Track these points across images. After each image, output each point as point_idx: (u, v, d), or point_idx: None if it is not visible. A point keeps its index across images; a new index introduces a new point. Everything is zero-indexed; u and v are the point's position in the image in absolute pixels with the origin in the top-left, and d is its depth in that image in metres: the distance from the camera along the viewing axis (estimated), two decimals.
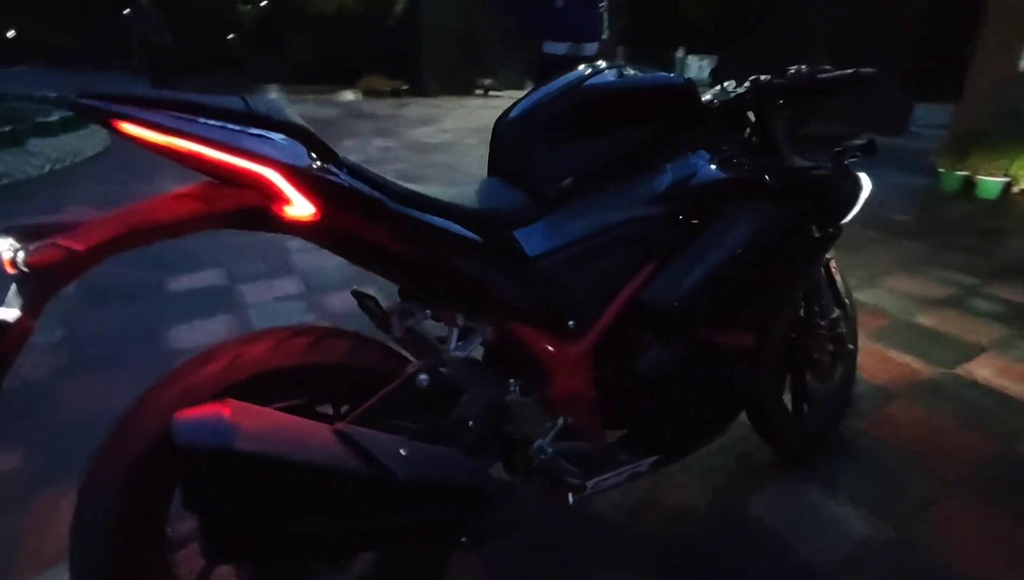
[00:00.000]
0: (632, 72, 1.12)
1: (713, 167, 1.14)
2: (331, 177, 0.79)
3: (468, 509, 0.89)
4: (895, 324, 2.45)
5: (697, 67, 17.89)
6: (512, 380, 1.03)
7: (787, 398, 1.55)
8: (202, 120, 0.75)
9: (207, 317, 2.40)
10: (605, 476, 1.15)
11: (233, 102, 0.78)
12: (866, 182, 1.34)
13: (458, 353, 0.96)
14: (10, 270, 0.70)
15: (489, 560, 1.30)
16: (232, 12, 16.19)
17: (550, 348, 1.03)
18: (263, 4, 15.96)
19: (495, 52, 12.30)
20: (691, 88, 1.12)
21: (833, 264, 1.51)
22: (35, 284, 0.70)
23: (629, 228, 1.07)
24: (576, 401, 1.08)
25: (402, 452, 0.81)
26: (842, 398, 1.69)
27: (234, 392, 0.82)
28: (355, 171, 0.85)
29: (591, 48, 3.09)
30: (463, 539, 0.90)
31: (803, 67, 1.24)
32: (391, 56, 13.33)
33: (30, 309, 0.71)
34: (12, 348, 0.71)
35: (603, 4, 3.06)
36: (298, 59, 16.46)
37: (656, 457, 1.20)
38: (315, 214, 0.80)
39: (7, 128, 4.78)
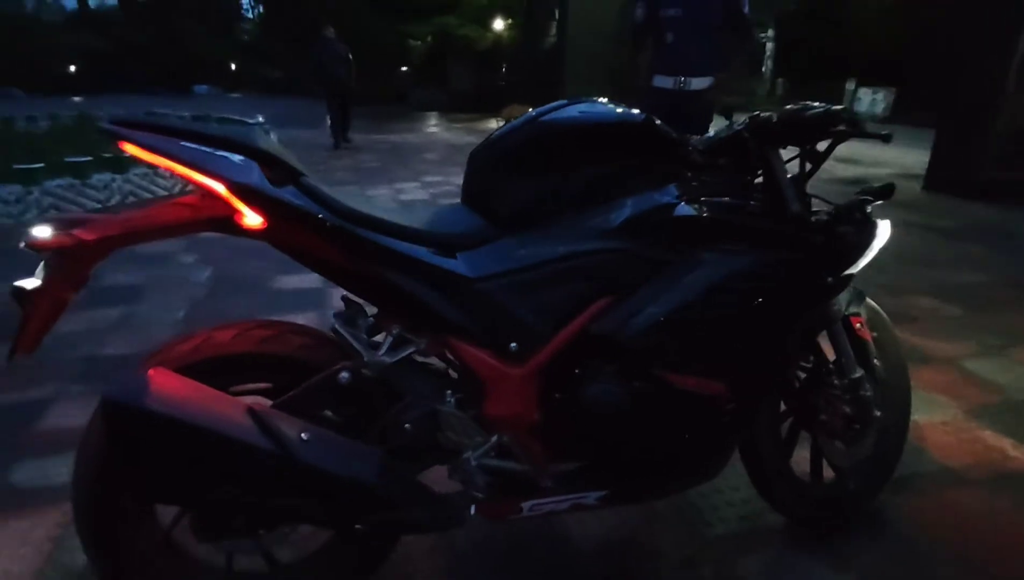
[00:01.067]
0: (594, 108, 1.14)
1: (679, 205, 1.11)
2: (274, 193, 0.94)
3: (363, 501, 0.97)
4: (1006, 402, 2.08)
5: (869, 100, 16.30)
6: (450, 392, 1.10)
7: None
8: (183, 143, 0.94)
9: (298, 312, 2.75)
10: (544, 501, 1.17)
11: (211, 128, 0.97)
12: (884, 230, 1.22)
13: (385, 358, 1.05)
14: (41, 251, 0.92)
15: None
16: (404, 47, 17.92)
17: (489, 367, 1.08)
18: (429, 40, 17.49)
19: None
20: (650, 125, 1.11)
21: (863, 321, 1.36)
22: (56, 263, 0.92)
23: (580, 260, 1.09)
24: (514, 422, 1.11)
25: (303, 437, 0.93)
26: (876, 470, 1.50)
27: (196, 369, 0.99)
28: (309, 190, 0.99)
29: (700, 83, 3.00)
30: (357, 526, 0.99)
31: (802, 104, 1.17)
32: (538, 86, 13.91)
33: (61, 283, 0.93)
34: (52, 314, 0.94)
35: (761, 37, 2.98)
36: (457, 89, 17.84)
37: (604, 492, 1.19)
38: (263, 224, 0.96)
39: None
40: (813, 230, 1.17)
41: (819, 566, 1.37)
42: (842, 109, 1.11)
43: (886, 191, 1.19)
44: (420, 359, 1.12)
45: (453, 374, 1.15)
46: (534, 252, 1.09)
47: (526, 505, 1.16)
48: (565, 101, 1.15)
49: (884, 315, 1.48)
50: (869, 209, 1.24)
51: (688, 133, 3.00)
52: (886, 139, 1.14)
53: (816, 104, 1.14)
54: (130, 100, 18.95)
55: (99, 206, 4.89)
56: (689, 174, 1.18)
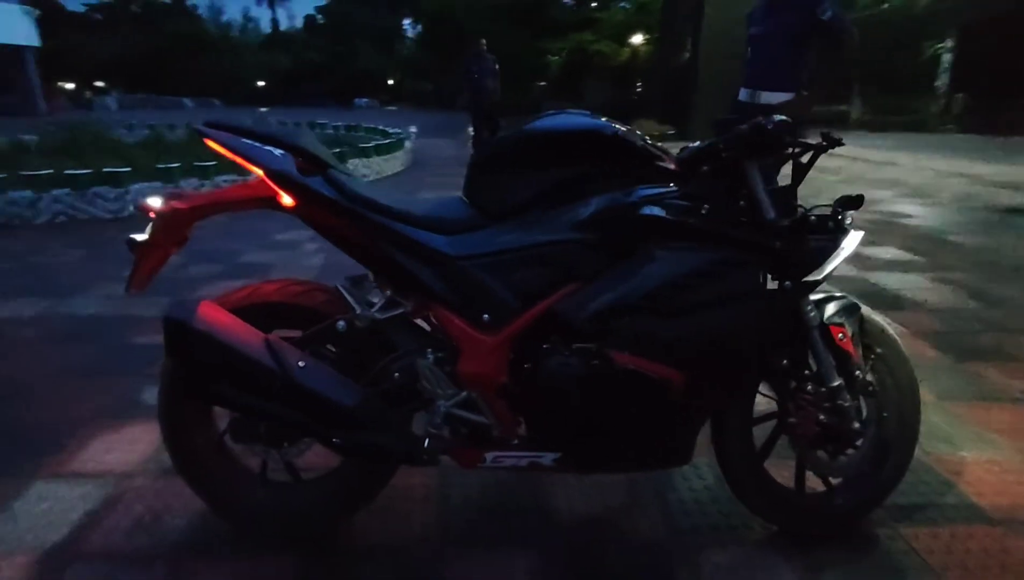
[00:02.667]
0: (572, 119, 1.30)
1: (640, 205, 1.24)
2: (301, 180, 1.23)
3: (339, 419, 1.22)
4: None
5: None
6: (431, 350, 1.33)
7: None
8: (243, 139, 1.27)
9: None
10: (504, 454, 1.35)
11: (268, 129, 1.29)
12: (852, 241, 1.24)
13: (377, 315, 1.30)
14: (150, 214, 1.29)
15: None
16: (542, 62, 18.54)
17: (464, 332, 1.29)
18: (564, 55, 17.95)
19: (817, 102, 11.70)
20: (615, 134, 1.25)
21: (846, 332, 1.36)
22: (159, 225, 1.28)
23: (548, 248, 1.27)
24: (482, 381, 1.30)
25: (300, 364, 1.21)
26: (870, 488, 1.48)
27: (246, 311, 1.32)
28: (331, 179, 1.28)
29: (771, 97, 2.94)
30: (334, 440, 1.25)
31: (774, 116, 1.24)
32: (669, 101, 13.73)
33: (162, 239, 1.29)
34: (158, 264, 1.31)
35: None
36: (590, 104, 18.11)
37: (557, 455, 1.34)
38: (293, 204, 1.26)
39: (336, 150, 6.62)
40: (772, 235, 1.23)
41: (787, 570, 1.39)
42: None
43: (856, 201, 1.23)
44: (413, 321, 1.36)
45: (438, 336, 1.37)
46: (511, 239, 1.29)
47: (489, 456, 1.34)
48: (553, 112, 1.32)
49: (892, 332, 1.46)
50: (844, 218, 1.27)
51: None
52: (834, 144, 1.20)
53: (780, 117, 1.22)
54: (301, 111, 21.54)
55: None
56: (668, 179, 1.29)
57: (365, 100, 35.87)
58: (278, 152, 1.27)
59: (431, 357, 1.32)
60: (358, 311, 1.29)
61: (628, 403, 1.29)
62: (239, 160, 1.26)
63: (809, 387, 1.36)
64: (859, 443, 1.42)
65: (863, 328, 1.42)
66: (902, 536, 1.49)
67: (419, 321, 1.38)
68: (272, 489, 1.47)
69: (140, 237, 1.27)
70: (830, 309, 1.36)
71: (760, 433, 1.45)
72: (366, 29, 36.02)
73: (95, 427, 1.96)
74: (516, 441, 1.35)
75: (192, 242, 1.36)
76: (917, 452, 1.72)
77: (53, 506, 1.60)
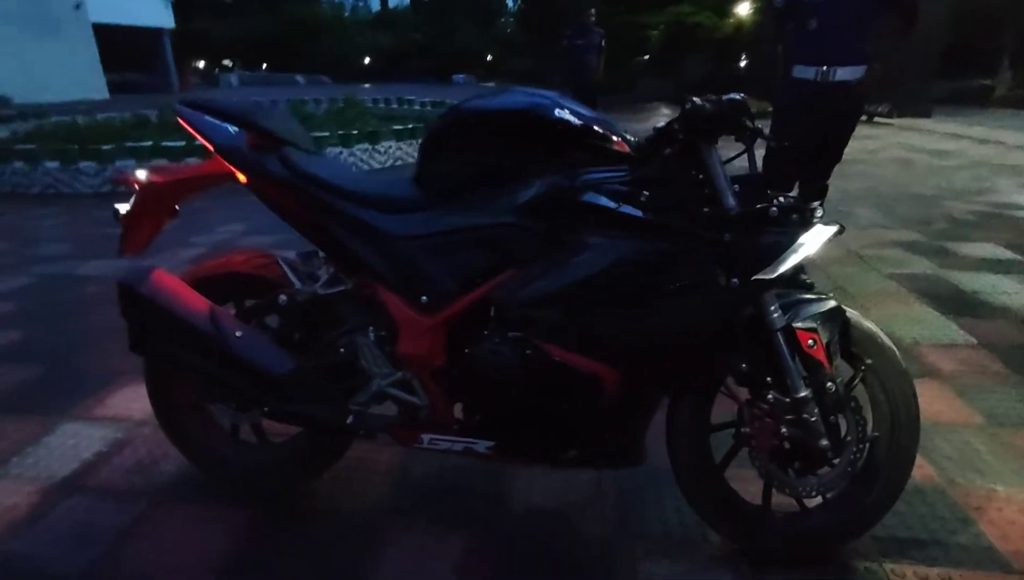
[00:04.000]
0: (508, 97, 1.23)
1: (578, 190, 1.16)
2: (248, 156, 1.28)
3: (268, 387, 1.27)
4: None
5: None
6: (372, 328, 1.34)
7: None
8: (205, 116, 1.33)
9: None
10: (440, 438, 1.34)
11: (230, 105, 1.34)
12: (812, 237, 1.10)
13: (318, 290, 1.33)
14: (134, 186, 1.39)
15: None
16: (640, 37, 17.81)
17: (402, 313, 1.29)
18: (662, 29, 17.12)
19: (890, 77, 10.49)
20: (553, 114, 1.17)
21: (817, 338, 1.21)
22: (139, 197, 1.38)
23: (484, 232, 1.23)
24: (418, 363, 1.30)
25: (237, 334, 1.26)
26: (851, 512, 1.33)
27: (216, 280, 1.40)
28: (284, 157, 1.31)
29: (848, 72, 2.64)
30: (264, 409, 1.30)
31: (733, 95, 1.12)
32: (772, 75, 12.74)
33: (144, 210, 1.39)
34: (152, 231, 1.42)
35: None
36: (689, 80, 17.22)
37: (491, 444, 1.31)
38: (246, 180, 1.31)
39: (410, 125, 6.80)
40: (721, 227, 1.12)
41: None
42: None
43: (819, 192, 1.09)
44: (359, 298, 1.38)
45: (380, 314, 1.38)
46: (451, 221, 1.26)
47: (425, 437, 1.34)
48: (494, 89, 1.27)
49: (886, 340, 1.29)
50: (812, 211, 1.13)
51: (833, 131, 2.67)
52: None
53: (738, 96, 1.10)
54: (399, 86, 22.16)
55: None
56: (623, 162, 1.21)
57: (462, 76, 36.30)
58: (233, 129, 1.31)
59: (371, 335, 1.33)
60: (297, 286, 1.33)
61: (558, 397, 1.24)
62: (198, 137, 1.32)
63: (770, 396, 1.23)
64: (836, 462, 1.28)
65: (849, 336, 1.26)
66: (884, 571, 1.33)
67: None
68: (241, 448, 1.56)
69: (123, 208, 1.38)
70: (801, 311, 1.22)
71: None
72: (467, 6, 36.36)
73: (128, 379, 2.18)
74: (455, 425, 1.34)
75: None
76: (939, 480, 1.54)
77: (74, 443, 1.80)
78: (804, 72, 2.72)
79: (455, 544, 1.41)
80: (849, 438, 1.28)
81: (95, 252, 3.81)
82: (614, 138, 1.21)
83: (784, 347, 1.20)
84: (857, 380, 1.30)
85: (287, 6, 37.48)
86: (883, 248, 3.63)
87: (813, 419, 1.22)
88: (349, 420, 1.32)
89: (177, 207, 1.45)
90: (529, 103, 1.20)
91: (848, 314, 1.26)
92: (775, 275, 1.11)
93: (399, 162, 6.86)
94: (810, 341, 1.20)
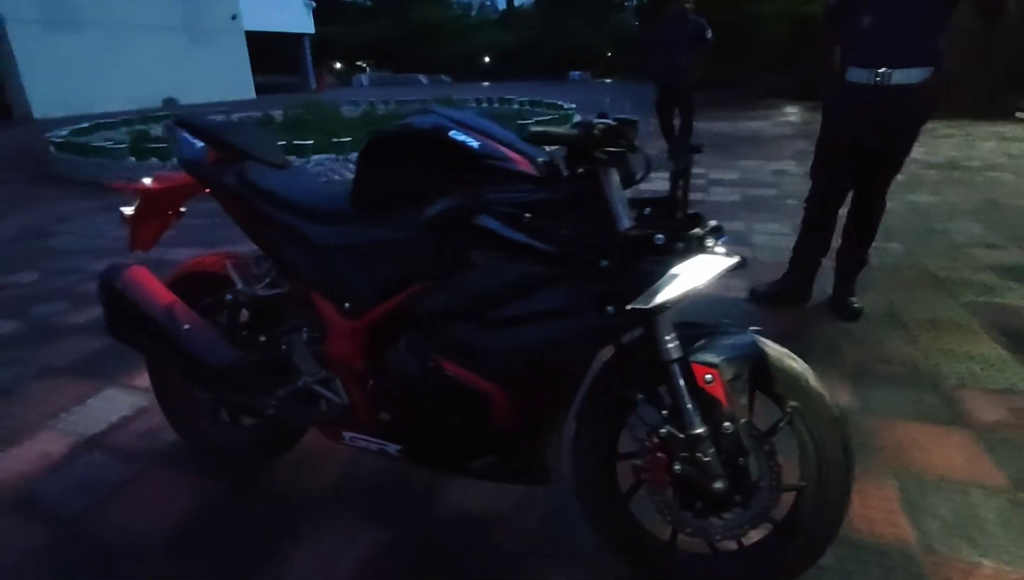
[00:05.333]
0: (411, 118, 1.27)
1: (471, 210, 1.18)
2: (205, 169, 1.44)
3: (210, 375, 1.42)
4: None
5: None
6: (307, 330, 1.45)
7: None
8: (183, 133, 1.52)
9: None
10: (358, 437, 1.43)
11: (205, 123, 1.52)
12: (691, 268, 1.04)
13: (259, 292, 1.46)
14: (140, 189, 1.61)
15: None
16: (752, 28, 16.64)
17: (329, 317, 1.39)
18: (778, 21, 15.84)
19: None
20: (448, 138, 1.19)
21: (716, 374, 1.13)
22: (142, 201, 1.60)
23: (396, 246, 1.29)
24: (340, 365, 1.39)
25: (186, 326, 1.43)
26: (769, 562, 1.24)
27: (194, 277, 1.59)
28: (240, 171, 1.46)
29: (906, 76, 2.35)
30: (208, 396, 1.45)
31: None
32: None
33: (149, 214, 1.61)
34: (160, 230, 1.65)
35: None
36: (805, 76, 15.85)
37: (400, 447, 1.37)
38: (208, 191, 1.47)
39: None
40: (600, 254, 1.09)
41: None
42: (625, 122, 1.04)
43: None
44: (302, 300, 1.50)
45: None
46: (369, 234, 1.34)
47: (347, 435, 1.44)
48: (424, 112, 1.32)
49: (816, 385, 1.18)
50: (702, 242, 1.07)
51: (889, 141, 2.43)
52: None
53: (617, 119, 1.07)
54: (516, 85, 22.60)
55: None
56: (530, 183, 1.21)
57: (578, 73, 36.16)
58: (199, 145, 1.48)
59: (305, 335, 1.45)
60: (239, 286, 1.47)
61: (452, 410, 1.27)
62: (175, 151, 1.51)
63: (664, 431, 1.18)
64: (747, 507, 1.20)
65: (769, 375, 1.17)
66: None
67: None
68: (218, 426, 1.75)
69: (128, 211, 1.60)
70: (701, 345, 1.15)
71: None
72: (586, 2, 36.16)
73: None
74: (372, 426, 1.42)
75: None
76: (915, 544, 1.42)
77: (109, 407, 2.11)
78: (857, 75, 2.46)
79: (371, 540, 1.49)
80: (763, 484, 1.20)
81: (188, 241, 4.33)
82: (517, 158, 1.22)
83: (679, 380, 1.15)
84: (783, 423, 1.21)
85: (415, 10, 39.53)
86: (973, 272, 3.19)
87: (707, 459, 1.15)
88: (270, 411, 1.44)
89: (183, 209, 1.66)
90: (426, 124, 1.24)
91: (770, 351, 1.17)
92: (651, 306, 1.06)
93: None
94: (707, 376, 1.14)
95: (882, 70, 2.37)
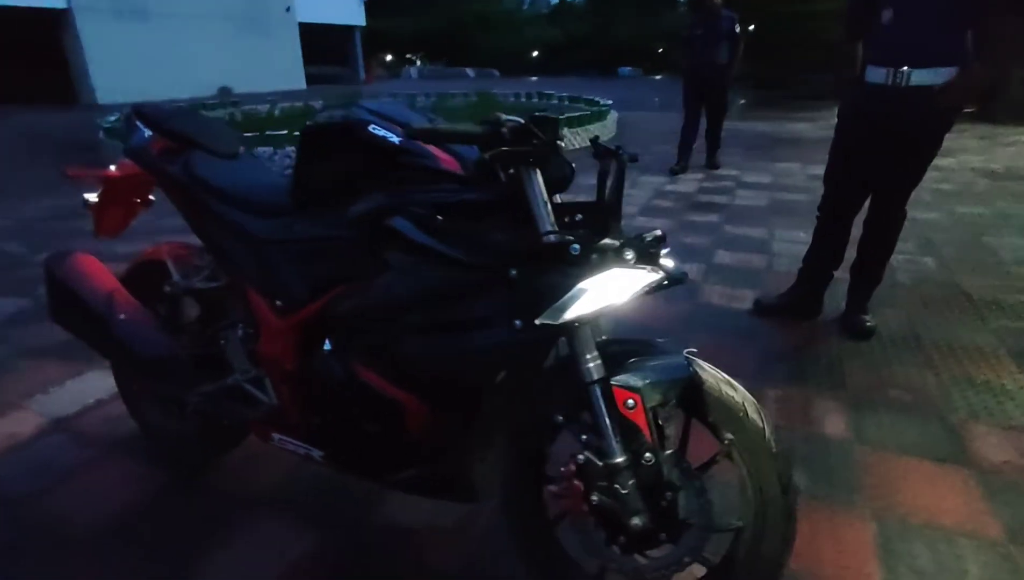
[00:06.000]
0: (334, 112, 1.20)
1: (388, 210, 1.11)
2: (146, 159, 1.42)
3: (143, 366, 1.41)
4: None
5: None
6: (242, 325, 1.41)
7: None
8: (137, 122, 1.50)
9: None
10: (286, 439, 1.38)
11: (155, 112, 1.49)
12: (607, 281, 0.94)
13: (195, 284, 1.43)
14: (105, 177, 1.61)
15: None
16: (803, 25, 15.93)
17: (263, 313, 1.34)
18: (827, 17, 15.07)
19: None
20: (353, 129, 1.11)
21: (638, 399, 1.02)
22: (105, 188, 1.59)
23: (323, 244, 1.23)
24: (271, 364, 1.34)
25: (121, 316, 1.41)
26: None
27: (150, 264, 1.58)
28: (185, 161, 1.43)
29: (927, 76, 2.12)
30: (139, 386, 1.43)
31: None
32: None
33: (112, 201, 1.61)
34: (127, 217, 1.65)
35: None
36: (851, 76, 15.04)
37: (323, 453, 1.32)
38: (154, 181, 1.45)
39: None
40: (511, 262, 1.00)
41: None
42: (545, 120, 0.95)
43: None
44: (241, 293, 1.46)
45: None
46: (300, 229, 1.29)
47: (275, 436, 1.39)
48: (362, 105, 1.25)
49: (757, 418, 1.06)
50: (621, 253, 0.97)
51: (906, 146, 2.24)
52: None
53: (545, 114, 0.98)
54: (565, 81, 22.41)
55: None
56: (455, 181, 1.13)
57: (628, 69, 35.58)
58: (148, 133, 1.46)
59: (240, 332, 1.41)
60: (174, 278, 1.45)
61: (370, 418, 1.21)
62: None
63: (581, 457, 1.08)
64: (674, 545, 1.10)
65: (706, 403, 1.06)
66: None
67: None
68: (167, 417, 1.74)
69: (91, 198, 1.60)
70: (625, 366, 1.05)
71: None
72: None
73: None
74: (298, 429, 1.37)
75: None
76: None
77: (84, 390, 2.14)
78: (875, 75, 2.26)
79: (300, 546, 1.44)
80: (694, 522, 1.09)
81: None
82: (442, 156, 1.14)
83: (600, 404, 1.05)
84: (720, 456, 1.09)
85: (468, 3, 39.68)
86: (1011, 293, 2.91)
87: (625, 492, 1.05)
88: (199, 406, 1.41)
89: (151, 197, 1.65)
90: (346, 119, 1.17)
91: (706, 376, 1.06)
92: (559, 322, 0.96)
93: None
94: (629, 401, 1.03)
95: (902, 69, 2.17)
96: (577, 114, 7.87)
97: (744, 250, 3.64)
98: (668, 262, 1.09)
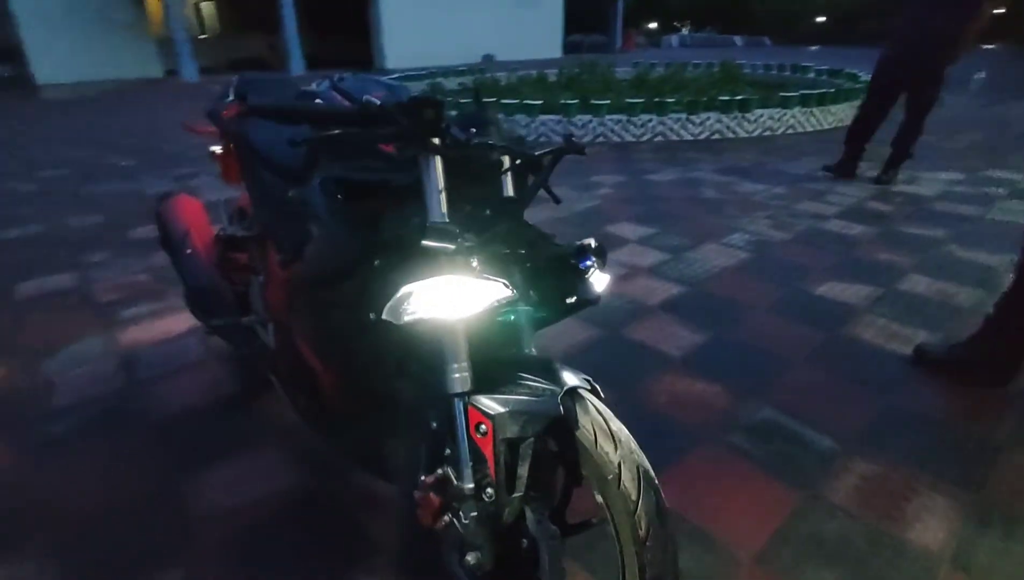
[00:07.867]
0: (337, 82, 1.22)
1: (324, 183, 1.13)
2: (216, 117, 1.66)
3: (192, 295, 1.68)
4: None
5: None
6: (262, 274, 1.60)
7: None
8: (230, 88, 1.77)
9: None
10: (275, 381, 1.54)
11: (248, 81, 1.75)
12: (436, 286, 0.84)
13: (238, 233, 1.64)
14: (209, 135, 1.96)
15: None
16: None
17: (270, 264, 1.51)
18: None
19: None
20: (312, 94, 1.13)
21: (488, 425, 0.88)
22: (223, 141, 1.94)
23: (297, 206, 1.33)
24: (272, 311, 1.51)
25: (187, 251, 1.70)
26: None
27: (236, 213, 1.89)
28: (241, 122, 1.64)
29: None
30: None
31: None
32: None
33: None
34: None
35: None
36: None
37: (292, 405, 1.44)
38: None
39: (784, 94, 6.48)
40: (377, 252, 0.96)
41: None
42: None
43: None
44: None
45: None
46: (292, 191, 1.40)
47: (272, 378, 1.57)
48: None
49: (629, 482, 0.86)
50: (470, 255, 0.87)
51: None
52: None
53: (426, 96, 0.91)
54: (852, 52, 19.26)
55: (633, 140, 6.16)
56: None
57: None
58: (228, 99, 1.71)
59: (261, 278, 1.60)
60: (223, 225, 1.68)
61: (301, 378, 1.29)
62: None
63: (440, 470, 1.00)
64: None
65: (576, 451, 0.91)
66: None
67: None
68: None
69: (217, 149, 1.95)
70: (503, 385, 0.93)
71: None
72: None
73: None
74: (283, 375, 1.52)
75: None
76: None
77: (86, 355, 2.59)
78: None
79: (283, 481, 1.61)
80: (549, 568, 0.94)
81: None
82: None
83: (460, 419, 0.96)
84: (596, 520, 0.94)
85: None
86: None
87: (466, 522, 0.96)
88: (217, 330, 1.66)
89: None
90: (311, 89, 1.22)
91: (584, 422, 0.89)
92: (402, 322, 0.89)
93: (767, 133, 6.45)
94: (481, 426, 0.93)
95: None
96: (816, 93, 6.71)
97: (954, 280, 2.80)
98: (599, 278, 0.94)
